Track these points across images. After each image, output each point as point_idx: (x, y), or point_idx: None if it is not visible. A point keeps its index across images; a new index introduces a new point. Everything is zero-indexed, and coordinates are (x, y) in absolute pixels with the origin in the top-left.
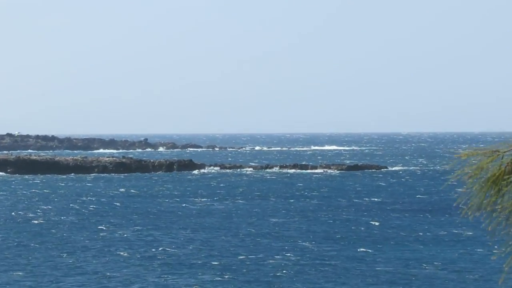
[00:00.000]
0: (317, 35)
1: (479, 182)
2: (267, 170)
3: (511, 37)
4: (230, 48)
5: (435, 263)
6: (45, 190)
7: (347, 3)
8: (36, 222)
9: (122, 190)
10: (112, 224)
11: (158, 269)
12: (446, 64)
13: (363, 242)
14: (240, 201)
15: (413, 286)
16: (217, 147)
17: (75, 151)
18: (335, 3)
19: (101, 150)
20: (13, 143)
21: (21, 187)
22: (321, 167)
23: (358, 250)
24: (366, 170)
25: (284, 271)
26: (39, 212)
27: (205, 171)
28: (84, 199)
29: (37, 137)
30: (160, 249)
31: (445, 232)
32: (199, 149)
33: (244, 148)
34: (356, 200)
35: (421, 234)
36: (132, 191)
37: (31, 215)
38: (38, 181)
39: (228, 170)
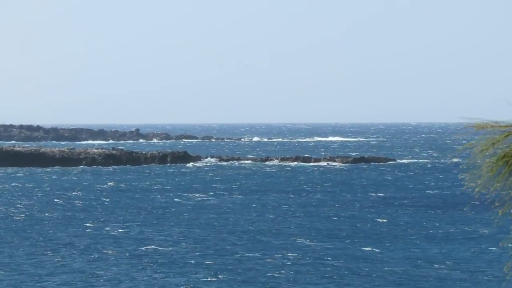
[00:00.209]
0: (317, 25)
1: (492, 158)
2: (267, 162)
3: None
4: (227, 38)
5: (446, 262)
6: (29, 184)
7: None
8: (19, 218)
9: (111, 184)
10: (100, 220)
11: (148, 268)
12: (456, 52)
13: (369, 240)
14: (238, 196)
15: (423, 287)
16: (213, 138)
17: (62, 142)
18: None
19: (89, 141)
20: None
21: (3, 180)
22: (325, 159)
23: (364, 248)
24: (372, 163)
25: (283, 271)
26: (22, 207)
27: (201, 163)
28: (71, 193)
29: (21, 127)
30: (151, 246)
31: (457, 230)
32: (195, 140)
33: (242, 139)
34: (362, 195)
35: (432, 231)
36: (122, 185)
37: (13, 210)
38: (22, 174)
39: (225, 163)
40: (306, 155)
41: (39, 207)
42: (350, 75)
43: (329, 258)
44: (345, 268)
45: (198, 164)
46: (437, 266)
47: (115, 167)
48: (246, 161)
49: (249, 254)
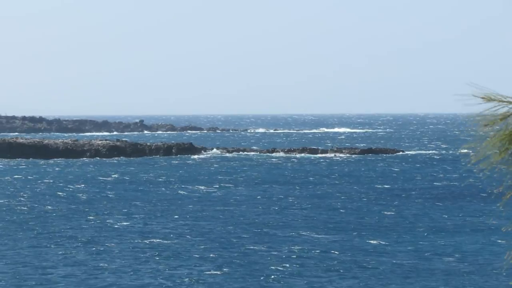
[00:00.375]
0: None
1: (497, 133)
2: (273, 154)
3: None
4: (230, 27)
5: (455, 255)
6: (32, 176)
7: None
8: (22, 210)
9: (115, 176)
10: (104, 212)
11: (152, 260)
12: (464, 36)
13: (376, 233)
14: (243, 188)
15: (430, 281)
16: (219, 130)
17: (65, 134)
18: None
19: (93, 133)
20: None
21: (6, 172)
22: (332, 151)
23: (371, 241)
24: (380, 155)
25: (288, 264)
26: (25, 199)
27: (206, 155)
28: (74, 185)
29: (24, 118)
30: (155, 239)
31: (466, 222)
32: (200, 132)
33: (248, 131)
34: (369, 187)
35: (440, 223)
36: (126, 177)
37: (16, 203)
38: (25, 166)
39: (230, 154)
40: (312, 147)
41: (42, 200)
42: (354, 67)
43: (335, 251)
44: (352, 261)
45: (203, 155)
46: (445, 258)
47: (119, 158)
48: (252, 153)
49: (254, 247)
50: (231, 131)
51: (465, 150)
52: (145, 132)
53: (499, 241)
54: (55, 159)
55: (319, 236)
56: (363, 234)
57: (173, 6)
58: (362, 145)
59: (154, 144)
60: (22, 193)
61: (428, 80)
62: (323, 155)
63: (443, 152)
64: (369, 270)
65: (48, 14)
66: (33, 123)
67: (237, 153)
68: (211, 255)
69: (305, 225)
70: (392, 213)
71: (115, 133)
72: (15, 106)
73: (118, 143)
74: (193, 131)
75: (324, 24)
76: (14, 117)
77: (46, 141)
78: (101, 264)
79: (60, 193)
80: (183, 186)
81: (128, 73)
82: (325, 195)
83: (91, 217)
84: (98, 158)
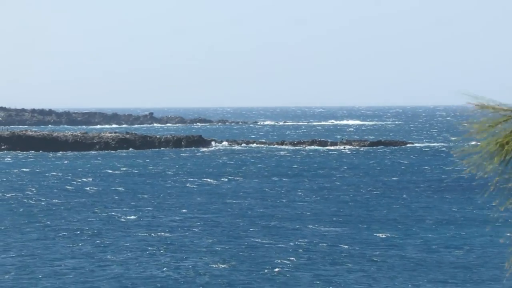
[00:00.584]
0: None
1: (488, 140)
2: (282, 146)
3: None
4: (235, 20)
5: (464, 248)
6: (41, 169)
7: None
8: (30, 203)
9: (124, 168)
10: (112, 205)
11: (159, 253)
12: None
13: (384, 225)
14: (252, 180)
15: (438, 274)
16: (228, 122)
17: (75, 127)
18: None
19: (103, 126)
20: (8, 117)
21: (15, 165)
22: (341, 143)
23: (379, 234)
24: (390, 147)
25: (294, 257)
26: (33, 192)
27: (215, 147)
28: (83, 178)
29: (33, 111)
30: (162, 231)
31: (475, 214)
32: (209, 124)
33: (257, 123)
34: (378, 179)
35: (448, 216)
36: (135, 170)
37: (25, 195)
38: (34, 159)
39: (239, 147)
40: (322, 139)
41: (50, 193)
42: (366, 59)
43: (343, 244)
44: (360, 254)
45: (212, 148)
46: (453, 251)
47: (128, 151)
48: (261, 145)
49: (262, 240)
50: (240, 124)
51: (454, 152)
52: (155, 124)
53: (508, 234)
54: (65, 151)
55: (327, 229)
56: (371, 227)
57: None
58: (371, 137)
59: (163, 137)
60: (30, 186)
61: (438, 73)
62: (333, 147)
63: (452, 144)
64: (376, 263)
65: (58, 8)
66: (43, 115)
67: (246, 145)
68: (218, 248)
69: (314, 218)
70: (401, 206)
71: (124, 125)
72: (24, 98)
73: (127, 136)
74: (203, 124)
75: (332, 18)
76: (23, 110)
77: (55, 134)
78: (108, 257)
79: (68, 186)
80: (191, 178)
81: (138, 66)
82: (334, 187)
83: (99, 210)
84: (107, 150)
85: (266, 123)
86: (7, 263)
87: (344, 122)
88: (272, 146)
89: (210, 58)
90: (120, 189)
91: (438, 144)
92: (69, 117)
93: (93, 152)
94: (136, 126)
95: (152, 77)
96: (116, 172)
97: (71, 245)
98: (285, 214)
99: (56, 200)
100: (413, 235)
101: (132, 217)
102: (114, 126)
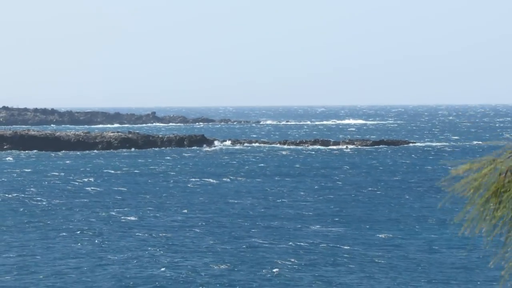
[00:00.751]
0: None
1: (482, 196)
2: (285, 146)
3: None
4: (241, 25)
5: (466, 248)
6: (43, 168)
7: None
8: (32, 203)
9: (126, 168)
10: (113, 204)
11: (159, 253)
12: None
13: (386, 225)
14: (254, 180)
15: (439, 274)
16: (230, 121)
17: (77, 126)
18: None
19: (105, 125)
20: (10, 117)
21: (18, 165)
22: (344, 142)
23: (380, 234)
24: (392, 146)
25: (296, 258)
26: (35, 192)
27: (218, 147)
28: (85, 178)
29: (36, 110)
30: (163, 232)
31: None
32: (211, 124)
33: (259, 122)
34: (380, 179)
35: (452, 216)
36: (137, 170)
37: (26, 195)
38: (37, 159)
39: (242, 146)
40: (324, 138)
41: (52, 192)
42: (369, 60)
43: (345, 245)
44: (361, 255)
45: (215, 147)
46: (455, 251)
47: (131, 150)
48: (263, 144)
49: (263, 240)
50: (243, 123)
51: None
52: (157, 124)
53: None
54: (67, 151)
55: (329, 229)
56: (373, 227)
57: (183, 3)
58: (373, 136)
59: (166, 136)
60: (32, 185)
61: (439, 72)
62: (335, 146)
63: (453, 143)
64: (378, 264)
65: (59, 7)
66: (45, 115)
67: (248, 144)
68: (219, 248)
69: (315, 218)
70: (402, 205)
71: (127, 125)
72: (27, 98)
73: (130, 135)
74: (205, 123)
75: (335, 16)
76: (26, 109)
77: (58, 133)
78: (109, 256)
79: (70, 186)
80: (193, 178)
81: (140, 65)
82: (335, 187)
83: (100, 210)
84: (109, 150)
85: (268, 122)
86: (8, 263)
87: (346, 121)
88: (274, 145)
89: (210, 60)
90: (122, 189)
91: (440, 144)
92: (71, 117)
93: (95, 151)
94: (138, 125)
95: (154, 77)
96: (118, 171)
97: (72, 245)
98: (287, 214)
99: (58, 200)
100: (415, 235)
101: (133, 216)
102: (116, 125)
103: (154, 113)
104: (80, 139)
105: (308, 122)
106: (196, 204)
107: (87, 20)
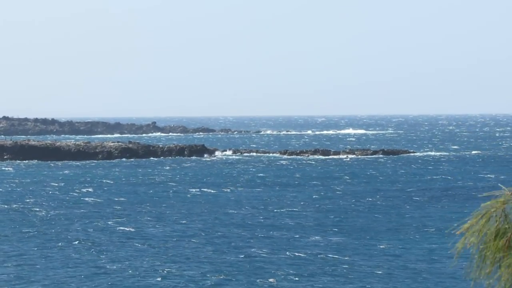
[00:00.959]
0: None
1: (488, 247)
2: (284, 156)
3: None
4: (237, 30)
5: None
6: (43, 178)
7: None
8: (31, 212)
9: (125, 178)
10: (113, 214)
11: (157, 263)
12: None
13: (385, 235)
14: (255, 189)
15: (439, 284)
16: (231, 131)
17: (78, 136)
18: None
19: (105, 135)
20: (10, 127)
21: (18, 174)
22: (344, 152)
23: (380, 243)
24: (392, 156)
25: (294, 268)
26: (35, 202)
27: (218, 157)
28: (85, 188)
29: (36, 120)
30: (161, 242)
31: None
32: (212, 133)
33: (259, 132)
34: (380, 188)
35: (452, 225)
36: (138, 179)
37: (26, 205)
38: (37, 169)
39: (242, 156)
40: (324, 148)
41: (51, 202)
42: (369, 70)
43: (344, 255)
44: (361, 265)
45: (215, 157)
46: (457, 261)
47: (131, 160)
48: (263, 154)
49: (261, 250)
50: (243, 133)
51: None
52: (158, 134)
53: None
54: (67, 161)
55: (328, 239)
56: (373, 237)
57: (184, 10)
58: (373, 146)
59: (166, 146)
60: (31, 195)
61: (439, 82)
62: (335, 156)
63: (453, 153)
64: (377, 274)
65: (62, 18)
66: (45, 125)
67: (248, 154)
68: (218, 258)
69: (315, 228)
70: (402, 215)
71: (127, 135)
72: (27, 108)
73: (130, 145)
74: (205, 133)
75: (336, 19)
76: (26, 119)
77: (58, 143)
78: (107, 266)
79: (70, 196)
80: (193, 189)
81: (141, 75)
82: (336, 197)
83: (99, 220)
84: (110, 160)
85: (268, 132)
86: (7, 272)
87: (346, 131)
88: (274, 155)
89: (210, 69)
90: (121, 199)
91: (439, 153)
92: (71, 127)
93: (95, 161)
94: (138, 135)
95: (155, 87)
96: (118, 181)
97: (71, 255)
98: (286, 224)
99: (57, 210)
100: (414, 245)
101: (132, 227)
102: (116, 135)
103: (154, 123)
104: (81, 149)
105: (309, 132)
106: (195, 214)
107: (87, 32)
